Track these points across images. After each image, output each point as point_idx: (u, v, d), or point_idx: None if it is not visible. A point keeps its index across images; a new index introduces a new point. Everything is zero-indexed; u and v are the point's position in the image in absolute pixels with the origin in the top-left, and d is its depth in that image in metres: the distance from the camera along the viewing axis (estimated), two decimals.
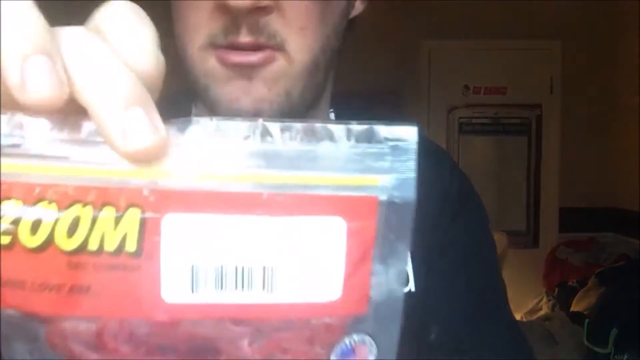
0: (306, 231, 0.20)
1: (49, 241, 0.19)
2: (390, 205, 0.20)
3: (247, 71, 0.38)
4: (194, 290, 0.20)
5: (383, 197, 0.20)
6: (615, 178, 2.75)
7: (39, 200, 0.19)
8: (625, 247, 2.58)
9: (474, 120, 2.80)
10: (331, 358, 0.21)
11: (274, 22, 0.37)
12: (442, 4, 2.55)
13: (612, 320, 2.10)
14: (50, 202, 0.19)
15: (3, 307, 0.20)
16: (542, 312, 2.56)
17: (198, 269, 0.20)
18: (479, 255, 0.51)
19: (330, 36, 0.41)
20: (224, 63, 0.38)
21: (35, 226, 0.19)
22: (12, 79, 0.18)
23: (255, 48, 0.37)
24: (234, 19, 0.36)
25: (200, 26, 0.37)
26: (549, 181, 2.85)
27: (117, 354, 0.20)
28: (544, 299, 2.63)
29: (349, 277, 0.20)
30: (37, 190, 0.19)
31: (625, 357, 2.03)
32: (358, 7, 0.46)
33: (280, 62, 0.38)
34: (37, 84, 0.18)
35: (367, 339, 0.21)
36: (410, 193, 0.20)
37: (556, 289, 2.58)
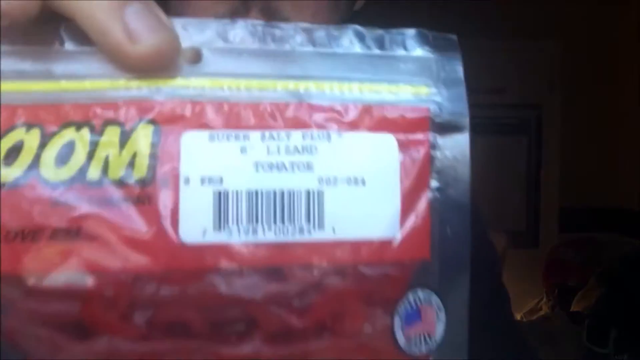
0: (354, 150, 0.16)
1: (30, 174, 0.15)
2: (442, 121, 0.17)
3: None
4: (221, 226, 0.15)
5: (435, 109, 0.17)
6: (615, 178, 2.75)
7: (16, 126, 0.15)
8: (625, 247, 2.58)
9: (473, 120, 2.80)
10: (395, 323, 0.16)
11: (284, 7, 0.36)
12: (441, 4, 2.55)
13: (612, 320, 2.09)
14: (31, 127, 0.15)
15: None
16: (542, 312, 2.56)
17: (226, 197, 0.15)
18: (483, 264, 0.52)
19: (338, 24, 0.41)
20: None
21: (14, 155, 0.15)
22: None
23: None
24: (244, 1, 0.35)
25: (208, 8, 0.36)
26: (549, 181, 2.84)
27: (112, 334, 0.15)
28: (544, 299, 2.63)
29: (406, 208, 0.16)
30: (17, 112, 0.15)
31: (625, 357, 2.02)
32: (361, 2, 0.46)
33: None
34: None
35: (434, 298, 0.17)
36: (462, 106, 0.17)
37: (556, 289, 2.58)
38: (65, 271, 0.14)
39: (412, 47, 0.17)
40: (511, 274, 2.33)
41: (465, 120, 0.18)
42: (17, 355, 0.14)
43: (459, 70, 0.18)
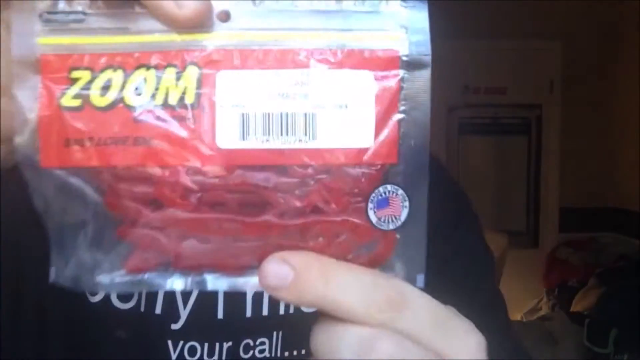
0: (340, 83, 0.22)
1: (118, 100, 0.22)
2: (410, 60, 0.23)
3: None
4: (244, 137, 0.22)
5: (403, 52, 0.23)
6: (615, 178, 2.75)
7: (107, 67, 0.22)
8: (625, 247, 2.58)
9: (473, 120, 2.80)
10: (368, 206, 0.23)
11: None
12: (442, 4, 2.55)
13: (612, 320, 2.10)
14: (117, 69, 0.22)
15: (67, 168, 0.22)
16: (542, 312, 2.56)
17: (248, 117, 0.22)
18: (478, 269, 0.52)
19: None
20: None
21: (105, 88, 0.22)
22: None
23: None
24: None
25: None
26: (549, 181, 2.85)
27: (174, 207, 0.22)
28: (544, 299, 2.63)
29: (379, 125, 0.22)
30: (104, 59, 0.22)
31: (625, 357, 2.03)
32: None
33: None
34: None
35: (400, 191, 0.23)
36: (425, 48, 0.23)
37: (556, 289, 2.58)
38: (143, 164, 0.22)
39: (388, 3, 0.23)
40: (511, 274, 2.33)
41: (428, 59, 0.23)
42: (114, 220, 0.23)
43: (425, 19, 0.23)
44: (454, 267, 0.49)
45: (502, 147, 2.85)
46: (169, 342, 0.43)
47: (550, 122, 2.80)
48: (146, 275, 0.23)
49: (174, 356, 0.43)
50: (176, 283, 0.24)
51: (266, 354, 0.44)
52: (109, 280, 0.23)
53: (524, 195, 2.87)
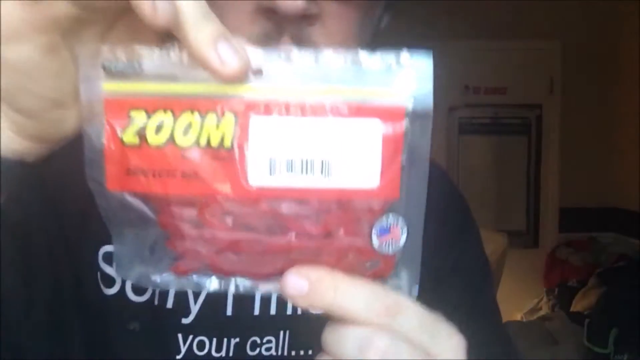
0: (353, 130, 0.26)
1: (169, 140, 0.26)
2: (414, 113, 0.26)
3: None
4: (272, 174, 0.26)
5: (409, 105, 0.26)
6: (615, 178, 2.75)
7: (159, 110, 0.26)
8: (625, 247, 2.58)
9: (473, 120, 2.80)
10: (372, 233, 0.27)
11: (316, 34, 0.38)
12: (442, 4, 2.56)
13: (612, 320, 2.10)
14: (167, 111, 0.26)
15: (126, 191, 0.27)
16: (542, 312, 2.56)
17: (275, 158, 0.26)
18: (477, 280, 0.54)
19: (364, 47, 0.41)
20: None
21: (159, 129, 0.26)
22: (145, 10, 0.24)
23: None
24: (277, 25, 0.37)
25: (239, 29, 0.37)
26: (549, 181, 2.85)
27: (213, 228, 0.27)
28: (544, 299, 2.63)
29: (385, 168, 0.26)
30: (157, 103, 0.26)
31: (625, 357, 2.03)
32: (385, 20, 0.46)
33: None
34: (162, 14, 0.24)
35: (400, 219, 0.27)
36: (428, 102, 0.26)
37: (556, 289, 2.58)
38: (188, 194, 0.27)
39: (399, 62, 0.27)
40: (511, 274, 2.33)
41: (430, 110, 0.26)
42: (164, 235, 0.28)
43: (429, 76, 0.27)
44: (454, 279, 0.51)
45: (502, 147, 2.85)
46: (179, 336, 0.45)
47: (550, 122, 2.80)
48: (189, 277, 0.29)
49: (183, 349, 0.45)
50: (213, 284, 0.29)
51: (272, 352, 0.46)
52: (160, 279, 0.29)
53: (524, 195, 2.87)
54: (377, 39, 0.44)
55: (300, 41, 0.37)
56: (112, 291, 0.43)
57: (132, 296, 0.44)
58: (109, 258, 0.43)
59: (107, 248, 0.43)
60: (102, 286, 0.43)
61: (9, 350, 0.41)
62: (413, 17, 2.67)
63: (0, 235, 0.39)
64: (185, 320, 0.45)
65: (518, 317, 2.61)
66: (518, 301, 2.64)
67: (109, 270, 0.43)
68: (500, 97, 2.79)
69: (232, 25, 0.37)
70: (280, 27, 0.36)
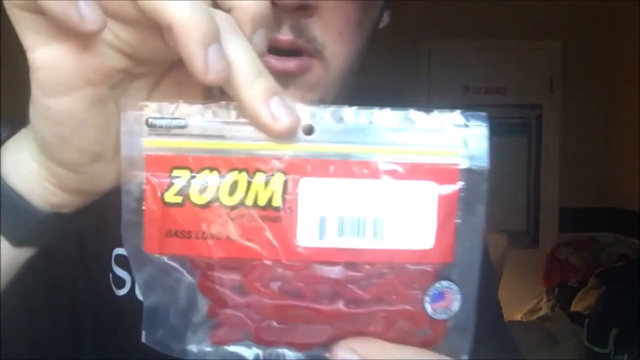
0: (406, 192, 0.25)
1: (214, 199, 0.25)
2: (469, 172, 0.26)
3: (284, 79, 0.37)
4: (322, 237, 0.25)
5: (464, 165, 0.26)
6: (615, 178, 2.75)
7: (204, 168, 0.25)
8: (625, 247, 2.58)
9: None
10: (425, 299, 0.26)
11: (313, 26, 0.38)
12: (442, 4, 2.55)
13: (612, 320, 2.10)
14: (212, 170, 0.25)
15: (166, 255, 0.25)
16: (542, 312, 2.56)
17: (325, 220, 0.25)
18: (492, 319, 0.54)
19: (363, 44, 0.41)
20: None
21: (203, 188, 0.25)
22: (198, 65, 0.23)
23: (293, 48, 0.37)
24: (275, 17, 0.37)
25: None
26: (549, 181, 2.85)
27: (258, 295, 0.26)
28: (544, 299, 2.63)
29: (439, 230, 0.25)
30: (203, 160, 0.25)
31: (625, 357, 2.03)
32: (385, 20, 0.46)
33: (316, 70, 0.39)
34: (214, 67, 0.23)
35: (454, 286, 0.26)
36: (484, 163, 0.26)
37: (556, 289, 2.58)
38: (233, 257, 0.25)
39: (453, 122, 0.26)
40: (511, 274, 2.33)
41: (485, 171, 0.26)
42: (206, 302, 0.26)
43: (485, 138, 0.26)
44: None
45: (502, 147, 2.84)
46: None
47: (550, 122, 2.80)
48: (229, 347, 0.27)
49: None
50: (254, 355, 0.27)
51: None
52: (197, 349, 0.27)
53: (524, 195, 2.87)
54: (374, 40, 0.44)
55: (299, 33, 0.37)
56: (122, 292, 0.43)
57: (141, 297, 0.44)
58: (120, 260, 0.43)
59: (119, 250, 0.43)
60: (113, 287, 0.43)
61: (22, 352, 0.41)
62: (413, 16, 2.67)
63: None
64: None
65: (518, 317, 2.61)
66: (518, 301, 2.64)
67: (120, 272, 0.43)
68: (500, 97, 2.79)
69: None
70: (278, 19, 0.36)
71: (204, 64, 0.23)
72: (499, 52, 2.73)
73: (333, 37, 0.38)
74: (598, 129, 2.78)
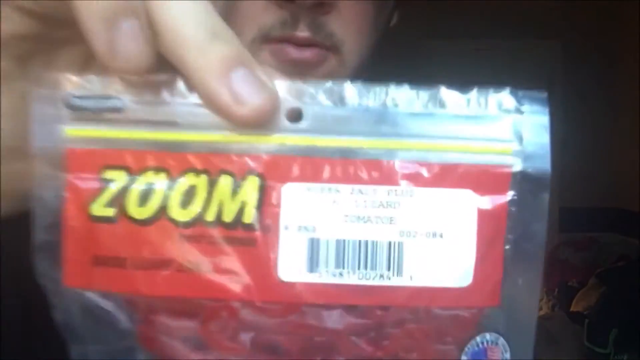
0: (434, 205, 0.18)
1: (160, 213, 0.18)
2: (524, 178, 0.18)
3: (300, 69, 0.37)
4: (313, 269, 0.18)
5: (516, 168, 0.18)
6: (615, 178, 2.75)
7: (147, 169, 0.18)
8: (625, 247, 2.58)
9: None
10: (461, 358, 0.19)
11: (331, 22, 0.37)
12: (442, 4, 2.55)
13: (612, 320, 2.09)
14: (159, 171, 0.18)
15: (93, 290, 0.18)
16: (542, 312, 2.55)
17: (318, 243, 0.18)
18: None
19: (376, 42, 0.42)
20: (278, 58, 0.37)
21: (145, 196, 0.18)
22: (99, 46, 0.16)
23: (310, 45, 0.37)
24: (292, 13, 0.36)
25: (254, 18, 0.36)
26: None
27: (222, 351, 0.18)
28: (544, 299, 2.63)
29: (480, 260, 0.18)
30: (146, 158, 0.18)
31: (625, 357, 2.02)
32: (395, 19, 0.47)
33: (332, 63, 0.38)
34: (125, 52, 0.16)
35: (501, 340, 0.19)
36: (545, 164, 0.18)
37: (556, 289, 2.58)
38: (187, 296, 0.18)
39: (501, 106, 0.19)
40: None
41: (547, 179, 0.18)
42: (150, 356, 0.19)
43: (545, 129, 0.19)
44: None
45: None
46: None
47: (550, 123, 2.79)
48: None
49: None
50: None
51: None
52: None
53: None
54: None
55: (317, 30, 0.36)
56: None
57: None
58: None
59: None
60: None
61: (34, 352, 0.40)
62: (413, 16, 2.67)
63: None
64: None
65: None
66: None
67: None
68: None
69: (245, 15, 0.37)
70: (296, 16, 0.36)
71: (105, 45, 0.16)
72: (498, 52, 2.73)
73: (352, 33, 0.39)
74: (598, 129, 2.78)
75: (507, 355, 0.19)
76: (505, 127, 0.19)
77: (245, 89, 0.17)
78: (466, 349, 0.19)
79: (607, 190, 2.79)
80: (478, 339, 0.19)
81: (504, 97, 0.19)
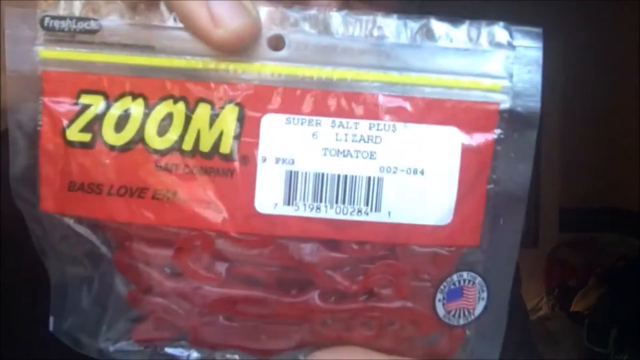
0: (417, 141, 0.17)
1: (137, 140, 0.18)
2: (512, 116, 0.18)
3: None
4: (290, 202, 0.18)
5: (505, 105, 0.18)
6: (615, 178, 2.75)
7: (124, 94, 0.17)
8: (625, 247, 2.58)
9: None
10: (436, 296, 0.18)
11: (358, 5, 0.37)
12: (441, 4, 2.55)
13: (612, 320, 2.09)
14: (136, 97, 0.17)
15: (69, 215, 0.18)
16: (542, 312, 2.56)
17: (296, 176, 0.17)
18: (518, 321, 0.55)
19: None
20: None
21: (122, 122, 0.17)
22: (202, 21, 0.16)
23: None
24: None
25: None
26: (549, 181, 2.85)
27: (195, 280, 0.18)
28: (544, 299, 2.63)
29: (461, 199, 0.18)
30: (123, 83, 0.17)
31: (625, 357, 2.02)
32: None
33: None
34: (228, 22, 0.16)
35: (478, 280, 0.18)
36: (535, 102, 0.18)
37: (556, 289, 2.58)
38: (162, 224, 0.18)
39: (493, 40, 0.18)
40: None
41: (536, 118, 0.18)
42: (125, 284, 0.19)
43: (537, 66, 0.18)
44: None
45: None
46: None
47: (550, 122, 2.80)
48: (157, 348, 0.20)
49: None
50: None
51: None
52: (113, 348, 0.20)
53: None
54: None
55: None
56: None
57: None
58: None
59: None
60: None
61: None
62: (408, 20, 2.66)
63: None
64: None
65: None
66: None
67: None
68: None
69: None
70: None
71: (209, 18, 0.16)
72: None
73: None
74: (598, 129, 2.78)
75: (484, 295, 0.19)
76: (496, 63, 0.18)
77: (225, 10, 0.16)
78: (442, 287, 0.19)
79: (607, 190, 2.79)
80: (455, 277, 0.19)
81: (497, 31, 0.19)
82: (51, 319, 0.20)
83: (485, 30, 0.19)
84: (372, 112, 0.17)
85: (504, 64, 0.18)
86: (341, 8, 0.35)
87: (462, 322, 0.19)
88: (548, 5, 2.69)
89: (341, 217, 0.18)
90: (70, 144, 0.18)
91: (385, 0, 0.38)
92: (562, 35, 2.84)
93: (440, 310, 0.19)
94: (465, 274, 0.19)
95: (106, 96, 0.17)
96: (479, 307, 0.19)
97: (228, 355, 0.19)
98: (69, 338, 0.20)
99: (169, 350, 0.19)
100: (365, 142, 0.17)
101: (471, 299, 0.19)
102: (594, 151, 2.78)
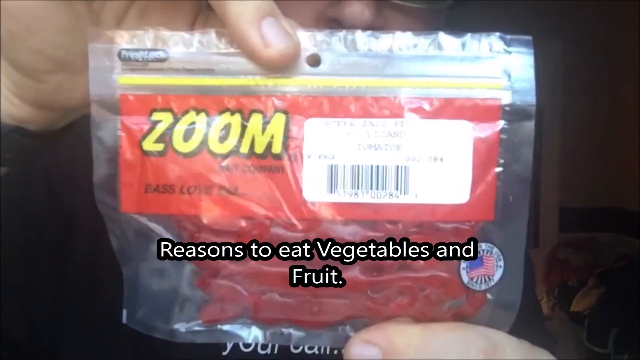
0: (435, 134, 0.21)
1: (202, 146, 0.21)
2: (513, 109, 0.21)
3: None
4: (332, 190, 0.21)
5: (506, 100, 0.21)
6: (615, 178, 2.75)
7: (189, 110, 0.21)
8: (625, 247, 2.58)
9: None
10: (460, 265, 0.22)
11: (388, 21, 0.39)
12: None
13: (612, 320, 2.09)
14: (199, 112, 0.21)
15: (146, 214, 0.21)
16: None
17: (336, 169, 0.21)
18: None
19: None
20: None
21: (189, 133, 0.21)
22: (254, 43, 0.20)
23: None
24: None
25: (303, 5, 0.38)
26: (549, 181, 2.85)
27: (257, 260, 0.22)
28: (544, 299, 2.63)
29: (476, 180, 0.21)
30: (188, 101, 0.21)
31: (625, 357, 2.02)
32: None
33: None
34: (276, 43, 0.20)
35: (495, 250, 0.22)
36: (531, 97, 0.21)
37: (556, 289, 2.58)
38: (226, 215, 0.21)
39: (491, 48, 0.22)
40: None
41: (532, 109, 0.22)
42: (194, 271, 0.22)
43: (530, 67, 0.22)
44: None
45: None
46: None
47: (551, 123, 2.80)
48: (223, 326, 0.23)
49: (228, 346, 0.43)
50: (255, 335, 0.23)
51: (315, 350, 0.43)
52: (185, 329, 0.23)
53: None
54: None
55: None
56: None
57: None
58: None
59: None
60: None
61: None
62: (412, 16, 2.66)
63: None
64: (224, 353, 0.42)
65: None
66: None
67: None
68: None
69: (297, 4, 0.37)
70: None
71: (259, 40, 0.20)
72: None
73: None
74: (598, 129, 2.78)
75: (501, 263, 0.22)
76: (496, 66, 0.22)
77: (273, 34, 0.20)
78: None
79: (607, 190, 2.79)
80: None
81: (494, 41, 0.22)
82: (124, 312, 0.23)
83: (485, 40, 0.22)
84: (396, 112, 0.21)
85: (503, 66, 0.22)
86: (376, 18, 0.36)
87: (483, 287, 0.22)
88: (548, 5, 2.69)
89: (376, 200, 0.21)
90: (146, 153, 0.21)
91: (418, 8, 0.38)
92: (562, 35, 2.84)
93: (465, 277, 0.22)
94: (483, 245, 0.22)
95: (174, 112, 0.21)
96: (498, 274, 0.22)
97: (283, 329, 0.23)
98: (142, 325, 0.23)
99: (231, 327, 0.23)
100: (392, 137, 0.21)
101: (490, 267, 0.22)
102: (594, 151, 2.78)
